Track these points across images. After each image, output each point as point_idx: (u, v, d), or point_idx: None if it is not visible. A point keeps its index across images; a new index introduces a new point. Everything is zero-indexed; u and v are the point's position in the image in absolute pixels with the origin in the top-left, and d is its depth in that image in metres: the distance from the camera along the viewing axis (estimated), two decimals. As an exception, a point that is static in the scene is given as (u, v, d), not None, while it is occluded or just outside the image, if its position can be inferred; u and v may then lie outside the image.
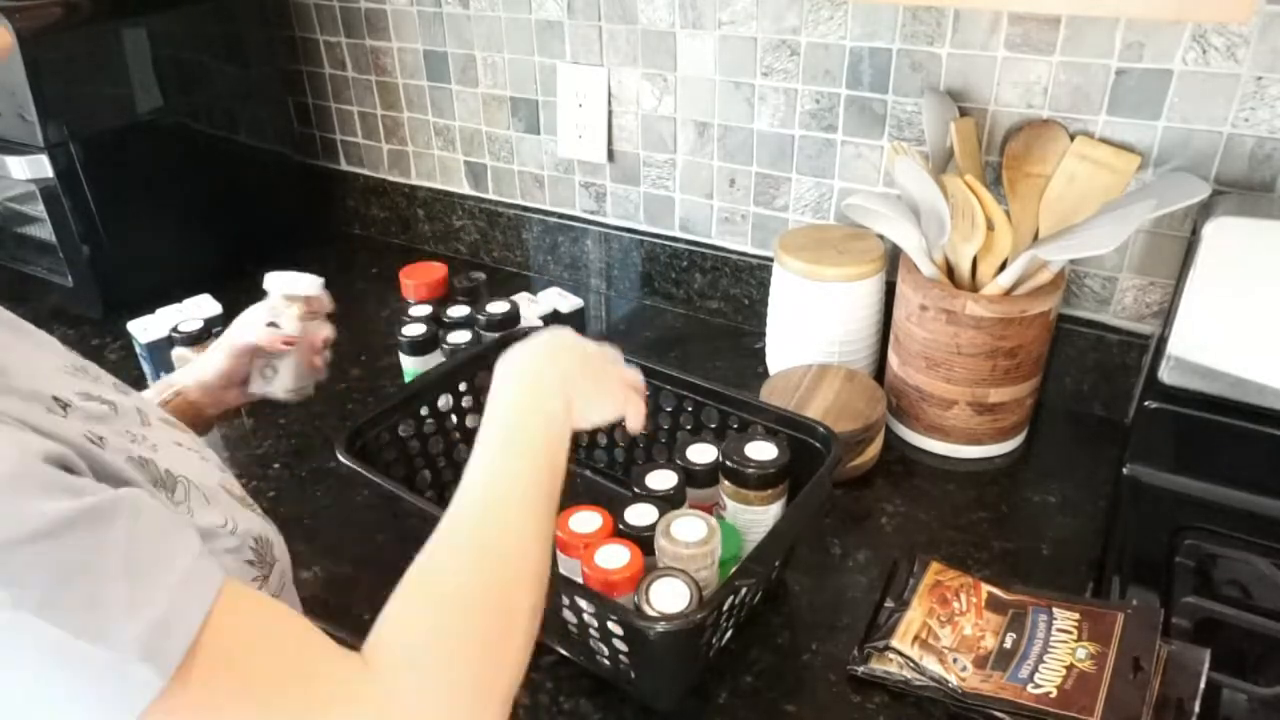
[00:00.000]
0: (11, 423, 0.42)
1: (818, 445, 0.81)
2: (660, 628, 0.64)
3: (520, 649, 0.52)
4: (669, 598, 0.68)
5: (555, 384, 0.63)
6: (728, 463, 0.79)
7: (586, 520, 0.77)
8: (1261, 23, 0.85)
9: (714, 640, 0.73)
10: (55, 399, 0.49)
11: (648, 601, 0.68)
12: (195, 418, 0.82)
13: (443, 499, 0.64)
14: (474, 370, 0.93)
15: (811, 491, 0.76)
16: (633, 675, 0.71)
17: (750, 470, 0.78)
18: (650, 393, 0.90)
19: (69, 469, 0.42)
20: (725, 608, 0.69)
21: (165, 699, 0.38)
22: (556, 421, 0.61)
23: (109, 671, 0.37)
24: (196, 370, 0.84)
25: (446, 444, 0.92)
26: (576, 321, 1.25)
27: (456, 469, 0.87)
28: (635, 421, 0.68)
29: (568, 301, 1.24)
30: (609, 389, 0.67)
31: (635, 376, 0.70)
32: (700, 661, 0.73)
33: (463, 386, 0.93)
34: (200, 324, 1.03)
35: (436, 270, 1.27)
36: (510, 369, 0.63)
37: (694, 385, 0.89)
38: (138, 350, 1.12)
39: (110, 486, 0.42)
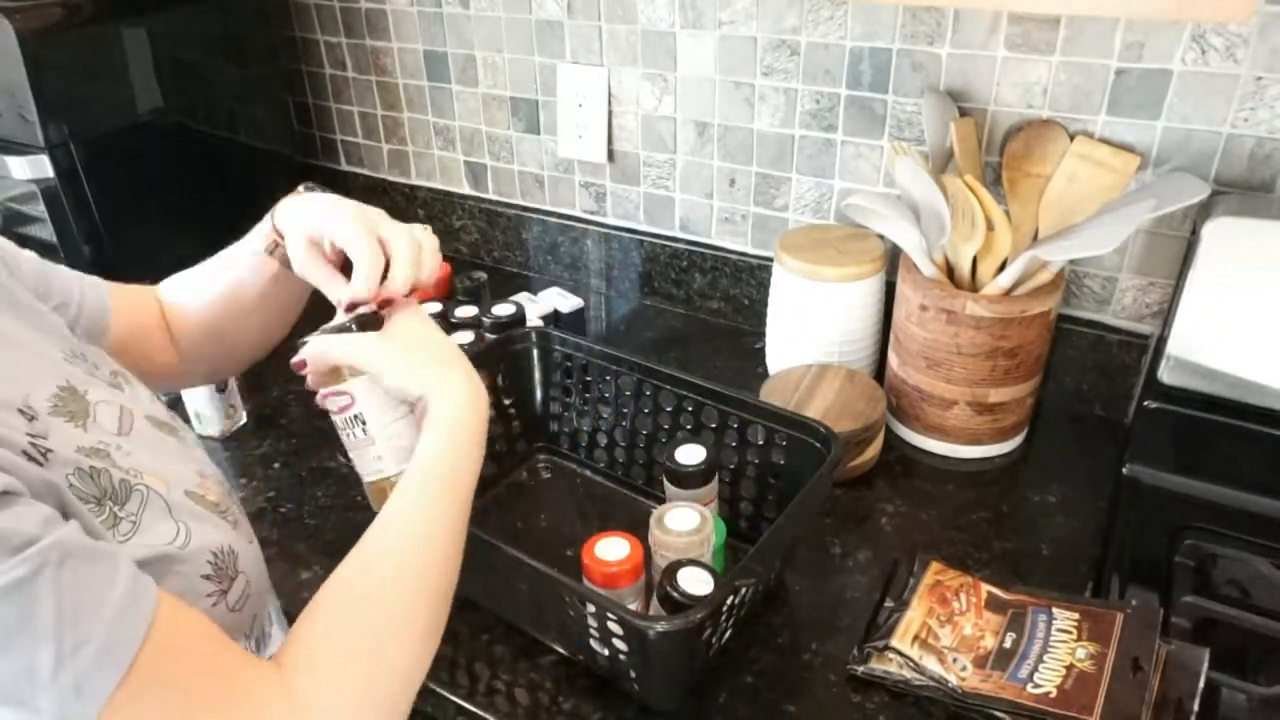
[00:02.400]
0: None
1: (817, 445, 0.81)
2: (660, 627, 0.64)
3: (414, 657, 0.56)
4: (695, 583, 0.69)
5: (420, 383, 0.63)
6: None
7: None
8: (1261, 23, 0.85)
9: (714, 640, 0.73)
10: (22, 410, 0.50)
11: (676, 588, 0.68)
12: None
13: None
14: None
15: (811, 491, 0.76)
16: (633, 675, 0.71)
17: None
18: (650, 392, 0.91)
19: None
20: (725, 607, 0.69)
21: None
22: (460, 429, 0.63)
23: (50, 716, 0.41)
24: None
25: None
26: (577, 321, 1.25)
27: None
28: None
29: (568, 301, 1.25)
30: (437, 356, 0.66)
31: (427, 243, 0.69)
32: (700, 661, 0.73)
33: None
34: None
35: (441, 270, 1.27)
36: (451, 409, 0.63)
37: (694, 385, 0.89)
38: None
39: (44, 502, 0.45)
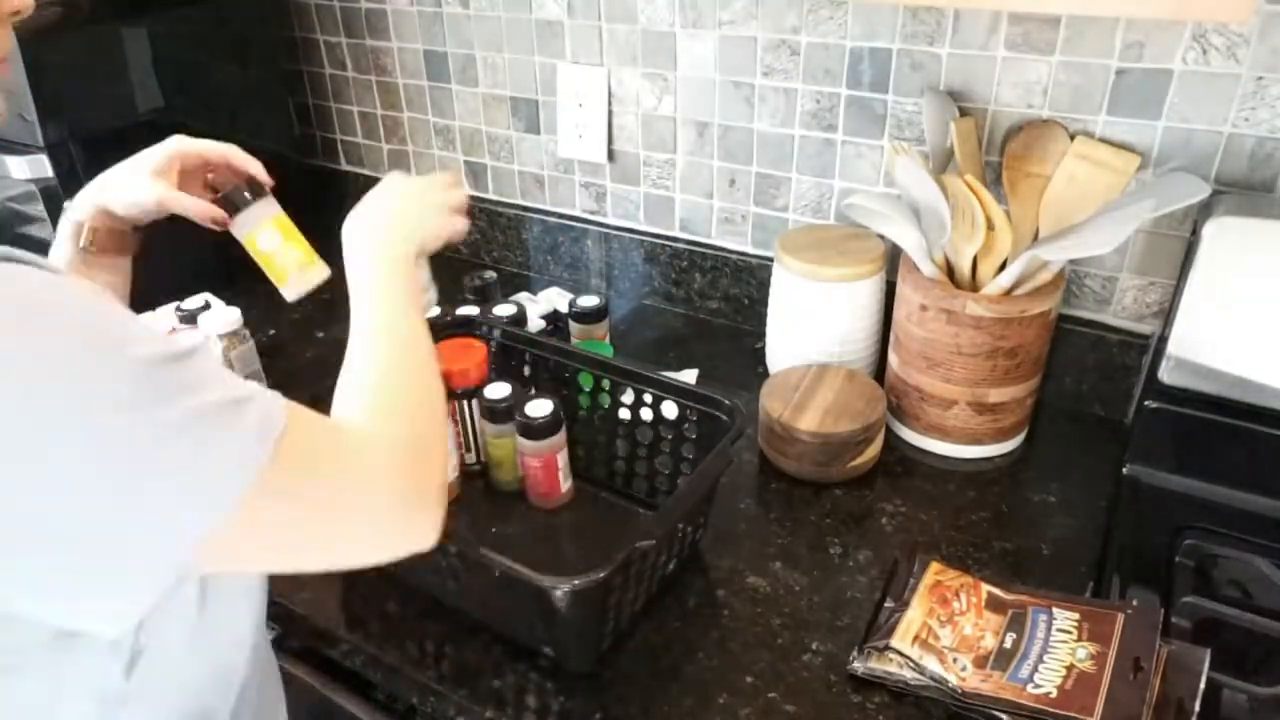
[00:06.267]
0: None
1: (724, 418, 0.86)
2: (564, 588, 0.67)
3: (442, 424, 0.67)
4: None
5: (397, 231, 0.75)
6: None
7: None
8: (1261, 23, 0.85)
9: (623, 602, 0.76)
10: None
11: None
12: (122, 241, 0.82)
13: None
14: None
15: (714, 459, 0.81)
16: (546, 637, 0.76)
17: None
18: (569, 375, 0.98)
19: None
20: (624, 564, 0.70)
21: (263, 475, 0.49)
22: (407, 260, 0.73)
23: (243, 448, 0.49)
24: (112, 196, 0.79)
25: None
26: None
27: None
28: (456, 235, 0.80)
29: (568, 301, 1.24)
30: (436, 218, 0.79)
31: (460, 197, 0.82)
32: (609, 623, 0.76)
33: None
34: (201, 302, 1.14)
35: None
36: (358, 228, 0.75)
37: (611, 366, 0.95)
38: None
39: None
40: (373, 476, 0.57)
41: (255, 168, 0.83)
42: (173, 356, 0.48)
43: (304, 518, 0.53)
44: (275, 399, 0.53)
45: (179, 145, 0.80)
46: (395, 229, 0.75)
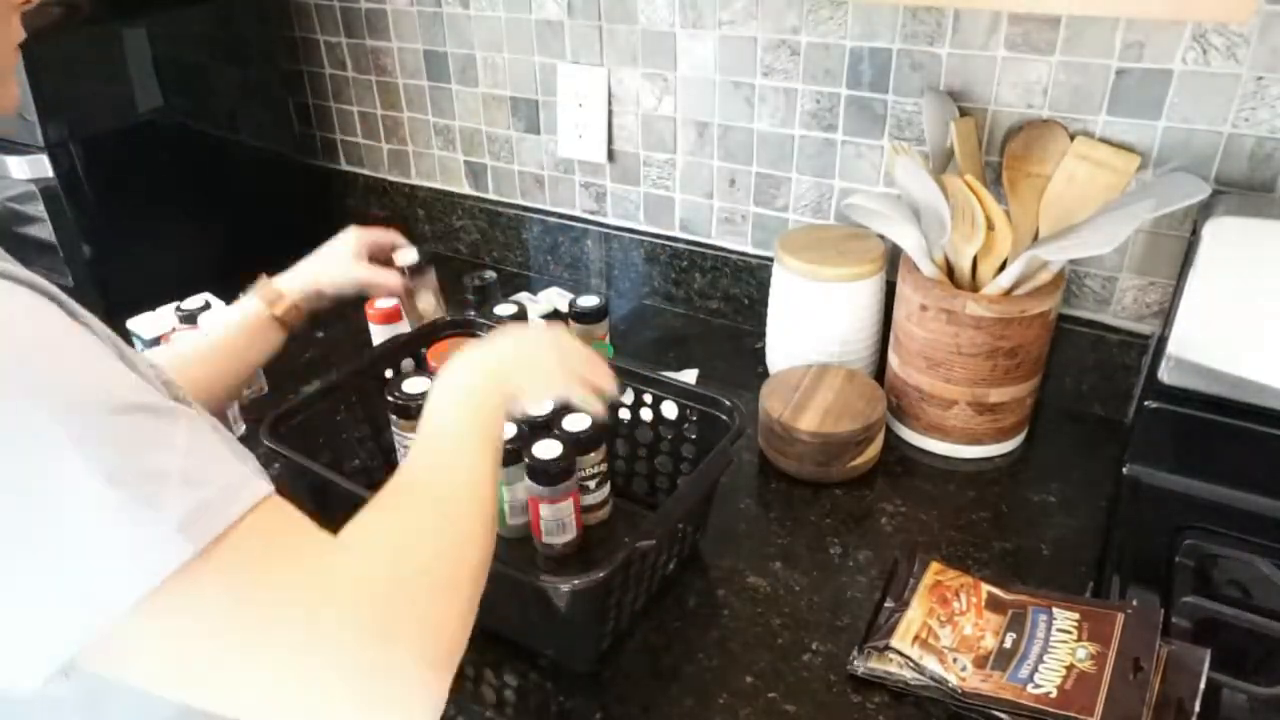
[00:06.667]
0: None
1: (724, 418, 0.85)
2: (564, 588, 0.67)
3: (467, 601, 0.54)
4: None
5: (497, 369, 0.67)
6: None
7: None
8: (1261, 23, 0.85)
9: (623, 602, 0.76)
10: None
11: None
12: (301, 316, 0.94)
13: (371, 484, 0.65)
14: (401, 358, 0.98)
15: (714, 459, 0.80)
16: (546, 637, 0.76)
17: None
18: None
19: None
20: (624, 565, 0.70)
21: (188, 570, 0.41)
22: (495, 402, 0.65)
23: (151, 537, 0.41)
24: (325, 279, 0.95)
25: (373, 430, 0.95)
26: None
27: (386, 454, 0.96)
28: (585, 404, 0.73)
29: (568, 301, 1.24)
30: (554, 372, 0.71)
31: (592, 365, 0.74)
32: (609, 623, 0.76)
33: (388, 373, 0.96)
34: (201, 302, 1.12)
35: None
36: (464, 361, 0.67)
37: (611, 366, 0.93)
38: (139, 349, 1.13)
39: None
40: (340, 605, 0.46)
41: (410, 246, 1.01)
42: (129, 407, 0.43)
43: (228, 640, 0.43)
44: (243, 489, 0.45)
45: (362, 235, 0.98)
46: (504, 369, 0.68)
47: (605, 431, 0.88)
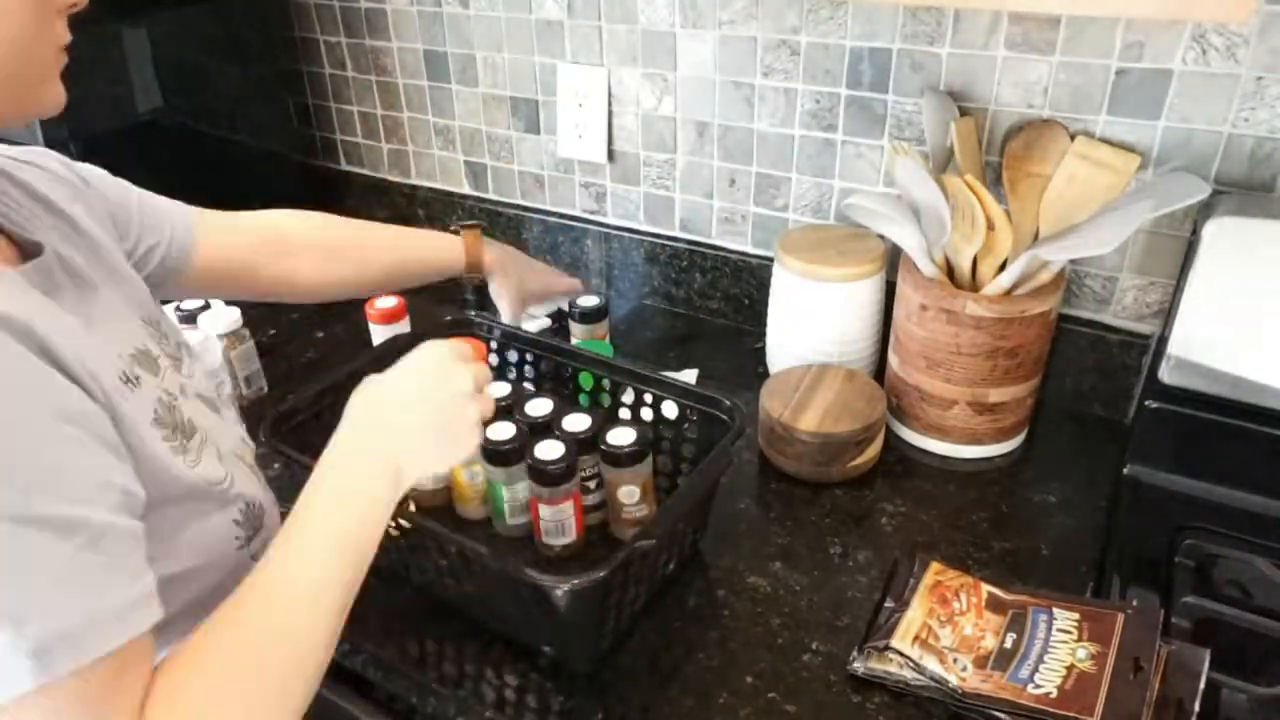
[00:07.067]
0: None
1: (724, 418, 0.86)
2: (564, 588, 0.67)
3: (292, 714, 0.53)
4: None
5: (386, 449, 0.62)
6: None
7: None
8: (1261, 23, 0.85)
9: (623, 602, 0.76)
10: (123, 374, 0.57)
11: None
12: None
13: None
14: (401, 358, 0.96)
15: (714, 459, 0.80)
16: (546, 637, 0.76)
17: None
18: (569, 374, 0.98)
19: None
20: (623, 565, 0.70)
21: (39, 696, 0.43)
22: (379, 505, 0.61)
23: (4, 656, 0.42)
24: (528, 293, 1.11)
25: None
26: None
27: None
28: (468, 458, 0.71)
29: (568, 301, 1.24)
30: (453, 437, 0.66)
31: (489, 407, 0.69)
32: (609, 623, 0.75)
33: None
34: (201, 301, 1.13)
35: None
36: (350, 426, 0.63)
37: (612, 366, 0.95)
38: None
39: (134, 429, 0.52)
40: None
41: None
42: (31, 520, 0.43)
43: None
44: (113, 625, 0.46)
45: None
46: (402, 439, 0.63)
47: (649, 447, 0.85)
